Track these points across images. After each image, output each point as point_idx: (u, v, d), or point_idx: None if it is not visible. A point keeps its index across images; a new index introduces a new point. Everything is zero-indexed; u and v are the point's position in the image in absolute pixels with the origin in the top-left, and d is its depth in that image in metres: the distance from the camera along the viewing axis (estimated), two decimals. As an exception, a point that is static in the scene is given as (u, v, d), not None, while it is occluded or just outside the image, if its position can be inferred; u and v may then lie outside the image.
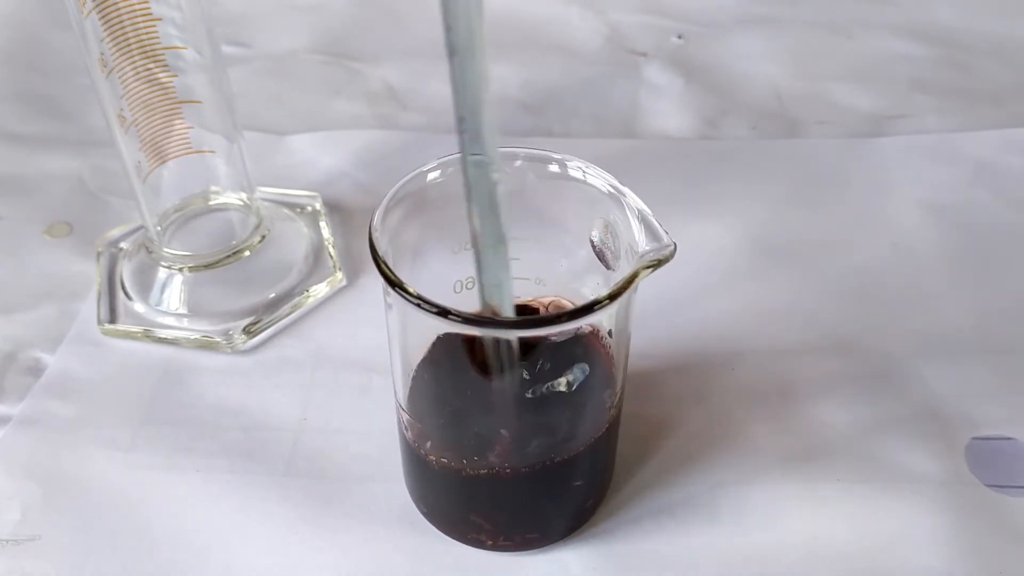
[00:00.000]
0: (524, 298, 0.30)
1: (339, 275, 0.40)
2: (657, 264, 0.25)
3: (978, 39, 0.56)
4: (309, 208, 0.43)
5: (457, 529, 0.30)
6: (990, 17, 0.57)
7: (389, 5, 0.60)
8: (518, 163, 0.28)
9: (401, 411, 0.29)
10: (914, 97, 0.51)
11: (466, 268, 0.28)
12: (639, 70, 0.54)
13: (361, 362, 0.37)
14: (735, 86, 0.53)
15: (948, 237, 0.41)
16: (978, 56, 0.54)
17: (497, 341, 0.25)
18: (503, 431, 0.28)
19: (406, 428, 0.29)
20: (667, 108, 0.51)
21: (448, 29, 0.20)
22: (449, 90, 0.21)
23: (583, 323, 0.24)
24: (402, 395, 0.29)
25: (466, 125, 0.21)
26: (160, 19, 0.34)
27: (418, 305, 0.24)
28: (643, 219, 0.26)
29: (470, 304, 0.27)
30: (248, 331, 0.38)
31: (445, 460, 0.28)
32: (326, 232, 0.42)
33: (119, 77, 0.34)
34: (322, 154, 0.48)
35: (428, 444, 0.28)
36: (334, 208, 0.44)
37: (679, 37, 0.57)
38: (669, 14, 0.59)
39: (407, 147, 0.48)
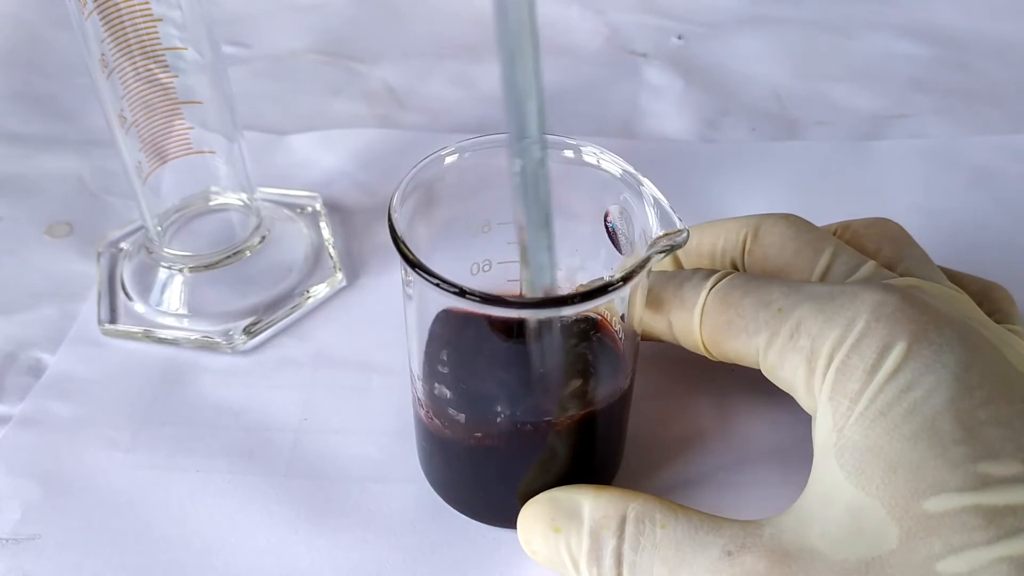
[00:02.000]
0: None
1: (339, 275, 0.40)
2: (670, 249, 0.26)
3: (978, 39, 0.56)
4: (309, 208, 0.43)
5: (472, 506, 0.31)
6: (990, 17, 0.57)
7: (389, 5, 0.60)
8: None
9: (416, 385, 0.29)
10: (914, 97, 0.51)
11: (483, 251, 0.29)
12: (639, 71, 0.54)
13: (361, 362, 0.37)
14: (735, 87, 0.53)
15: (945, 241, 0.42)
16: (978, 56, 0.54)
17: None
18: (515, 407, 0.28)
19: (421, 404, 0.29)
20: (667, 109, 0.51)
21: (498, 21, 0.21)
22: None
23: (596, 304, 0.25)
24: (418, 369, 0.29)
25: (513, 111, 0.22)
26: (161, 19, 0.34)
27: (437, 285, 0.24)
28: (657, 205, 0.27)
29: (486, 285, 0.27)
30: (248, 331, 0.38)
31: (459, 435, 0.29)
32: (326, 232, 0.42)
33: (119, 77, 0.35)
34: (322, 154, 0.48)
35: (443, 418, 0.29)
36: (334, 208, 0.44)
37: (679, 37, 0.57)
38: (669, 14, 0.59)
39: (407, 147, 0.48)
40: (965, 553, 0.22)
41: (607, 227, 0.29)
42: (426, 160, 0.28)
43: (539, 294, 0.25)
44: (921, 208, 0.44)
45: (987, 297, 0.31)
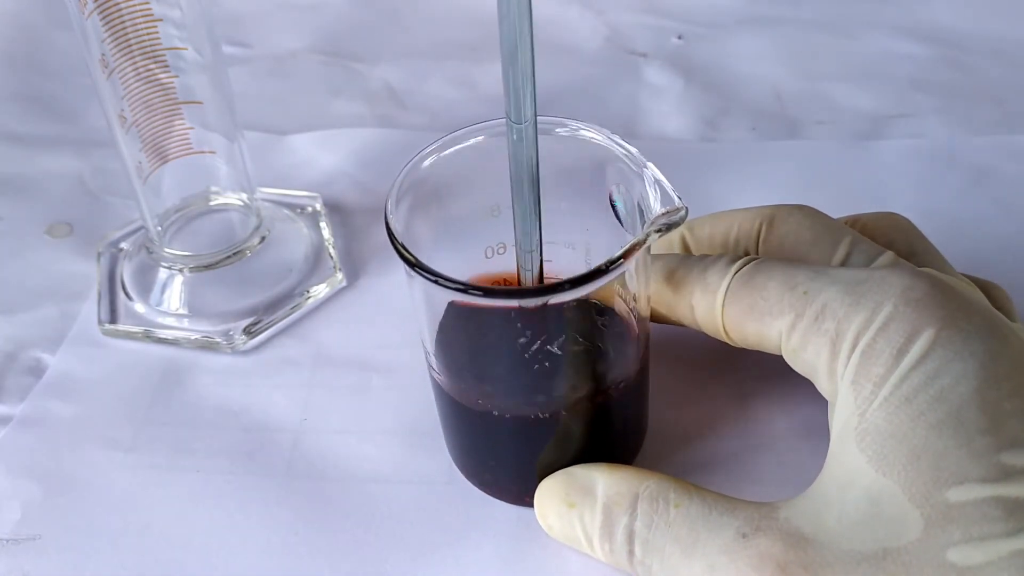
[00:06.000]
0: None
1: (339, 275, 0.40)
2: (667, 228, 0.26)
3: (978, 39, 0.56)
4: (309, 208, 0.43)
5: (493, 484, 0.31)
6: (990, 17, 0.57)
7: (389, 5, 0.60)
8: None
9: (431, 360, 0.30)
10: (914, 97, 0.51)
11: (496, 234, 0.30)
12: (639, 70, 0.54)
13: (361, 362, 0.37)
14: (735, 86, 0.53)
15: (945, 241, 0.41)
16: (978, 56, 0.54)
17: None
18: (528, 387, 0.29)
19: (439, 384, 0.30)
20: (667, 109, 0.51)
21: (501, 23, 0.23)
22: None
23: (590, 289, 0.25)
24: (431, 347, 0.29)
25: (511, 108, 0.24)
26: (161, 19, 0.34)
27: (435, 282, 0.25)
28: (655, 181, 0.27)
29: (502, 268, 0.28)
30: (248, 331, 0.38)
31: (473, 413, 0.29)
32: (326, 232, 0.42)
33: (120, 77, 0.35)
34: (322, 154, 0.48)
35: (460, 396, 0.29)
36: (334, 208, 0.44)
37: (679, 37, 0.57)
38: (669, 14, 0.59)
39: (407, 146, 0.47)
40: (983, 544, 0.22)
41: (612, 204, 0.29)
42: (415, 158, 0.29)
43: (528, 273, 0.26)
44: (921, 208, 0.43)
45: (986, 296, 0.32)
